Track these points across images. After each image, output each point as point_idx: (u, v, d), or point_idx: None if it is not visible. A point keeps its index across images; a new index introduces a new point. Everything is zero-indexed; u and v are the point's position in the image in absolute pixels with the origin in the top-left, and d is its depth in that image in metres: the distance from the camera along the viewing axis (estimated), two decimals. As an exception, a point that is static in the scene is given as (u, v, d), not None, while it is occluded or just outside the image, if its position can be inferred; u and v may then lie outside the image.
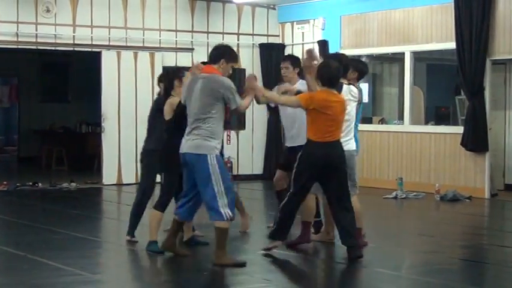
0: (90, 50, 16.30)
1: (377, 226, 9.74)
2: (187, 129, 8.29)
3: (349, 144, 8.93)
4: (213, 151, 8.16)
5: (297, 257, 9.13)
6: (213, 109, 8.17)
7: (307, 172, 8.60)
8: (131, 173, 15.90)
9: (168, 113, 8.84)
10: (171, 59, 16.70)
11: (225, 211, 8.10)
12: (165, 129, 8.91)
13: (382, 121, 16.34)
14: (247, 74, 15.07)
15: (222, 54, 8.39)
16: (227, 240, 8.27)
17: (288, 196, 8.76)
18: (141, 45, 16.50)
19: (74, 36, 15.89)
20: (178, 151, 8.34)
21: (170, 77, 9.14)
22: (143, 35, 16.55)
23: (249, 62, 17.52)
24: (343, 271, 8.54)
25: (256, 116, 17.53)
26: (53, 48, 16.11)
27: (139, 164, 9.92)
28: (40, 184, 15.80)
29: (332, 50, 16.42)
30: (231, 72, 8.44)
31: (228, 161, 15.65)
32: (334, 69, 8.60)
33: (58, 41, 15.80)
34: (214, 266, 8.22)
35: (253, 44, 17.71)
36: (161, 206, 8.95)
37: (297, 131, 9.46)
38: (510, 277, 8.11)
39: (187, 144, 8.24)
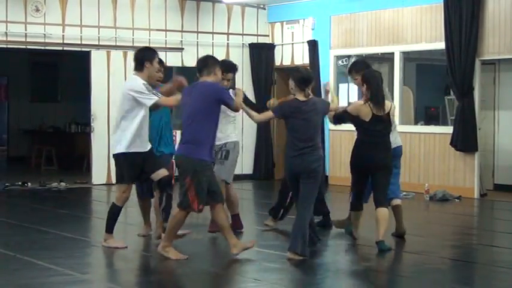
0: (79, 49, 16.26)
1: (366, 226, 9.74)
2: None
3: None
4: None
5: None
6: None
7: None
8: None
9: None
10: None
11: None
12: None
13: (372, 121, 16.30)
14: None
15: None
16: None
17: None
18: (131, 44, 16.45)
19: (63, 35, 15.85)
20: None
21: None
22: (133, 35, 16.52)
23: (239, 61, 17.47)
24: (331, 271, 8.54)
25: (246, 115, 17.45)
26: (43, 47, 16.07)
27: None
28: (29, 184, 15.75)
29: (322, 50, 16.47)
30: None
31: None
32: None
33: (47, 40, 15.75)
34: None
35: (243, 43, 17.70)
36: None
37: None
38: (499, 277, 8.12)
39: None
